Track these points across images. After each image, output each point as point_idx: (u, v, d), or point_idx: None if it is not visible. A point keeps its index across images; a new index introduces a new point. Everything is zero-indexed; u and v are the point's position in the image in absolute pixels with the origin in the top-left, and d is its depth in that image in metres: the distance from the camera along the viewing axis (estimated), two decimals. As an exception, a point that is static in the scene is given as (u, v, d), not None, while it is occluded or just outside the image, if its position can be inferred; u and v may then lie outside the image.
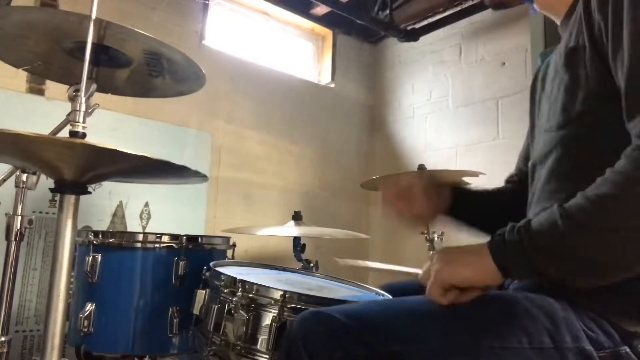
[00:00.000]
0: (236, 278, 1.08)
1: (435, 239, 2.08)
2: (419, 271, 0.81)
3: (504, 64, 2.59)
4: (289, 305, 0.99)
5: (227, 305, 1.07)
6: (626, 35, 0.67)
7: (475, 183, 1.75)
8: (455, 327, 0.69)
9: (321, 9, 2.96)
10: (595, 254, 0.65)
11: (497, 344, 0.67)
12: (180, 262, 1.39)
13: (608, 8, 0.71)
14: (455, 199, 1.03)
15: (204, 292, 1.18)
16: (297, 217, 1.78)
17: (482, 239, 0.90)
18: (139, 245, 1.43)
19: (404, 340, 0.67)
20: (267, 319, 1.01)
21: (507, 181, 1.15)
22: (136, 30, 1.04)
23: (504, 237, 0.70)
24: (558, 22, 0.93)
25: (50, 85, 2.09)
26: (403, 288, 1.09)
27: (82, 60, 0.97)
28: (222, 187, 2.58)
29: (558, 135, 0.80)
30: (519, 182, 1.09)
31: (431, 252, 2.06)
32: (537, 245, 0.67)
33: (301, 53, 3.20)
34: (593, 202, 0.64)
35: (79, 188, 0.98)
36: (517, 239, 0.68)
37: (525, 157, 1.10)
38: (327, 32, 3.25)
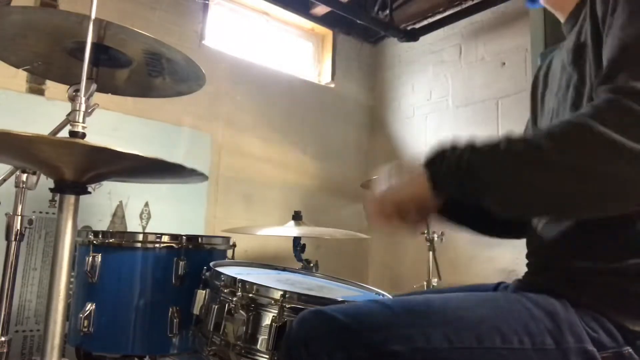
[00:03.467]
0: (236, 278, 1.08)
1: (435, 238, 2.08)
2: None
3: (504, 64, 2.59)
4: (289, 305, 0.99)
5: (227, 305, 1.07)
6: (620, 13, 0.68)
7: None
8: (457, 327, 0.69)
9: (321, 9, 2.96)
10: (526, 185, 0.65)
11: (499, 344, 0.67)
12: (180, 262, 1.39)
13: (609, 1, 0.71)
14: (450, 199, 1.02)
15: (204, 292, 1.18)
16: (297, 217, 1.78)
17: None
18: (139, 245, 1.43)
19: (404, 340, 0.66)
20: (267, 319, 1.01)
21: None
22: (136, 30, 1.05)
23: (443, 152, 0.71)
24: (562, 19, 0.92)
25: (50, 85, 2.09)
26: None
27: (82, 60, 0.97)
28: (222, 187, 2.58)
29: None
30: None
31: (435, 254, 2.06)
32: (472, 164, 0.68)
33: (301, 53, 3.20)
34: (538, 136, 0.65)
35: (79, 188, 0.98)
36: (453, 153, 0.70)
37: None
38: (327, 32, 3.25)
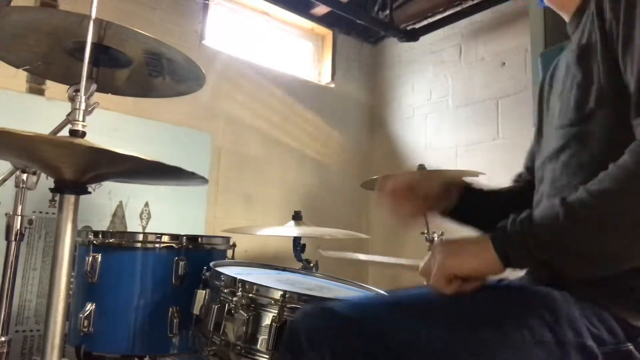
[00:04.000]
0: (236, 278, 1.08)
1: (435, 239, 2.08)
2: (415, 262, 0.82)
3: (504, 64, 2.59)
4: (289, 305, 0.99)
5: (227, 305, 1.07)
6: (637, 34, 0.68)
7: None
8: (456, 319, 0.70)
9: (321, 9, 2.96)
10: (594, 247, 0.66)
11: (498, 336, 0.67)
12: (180, 262, 1.39)
13: (620, 6, 0.71)
14: (464, 199, 1.02)
15: (204, 292, 1.18)
16: (297, 217, 1.78)
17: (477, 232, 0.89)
18: (139, 245, 1.43)
19: (405, 333, 0.67)
20: (267, 319, 1.01)
21: (516, 180, 1.14)
22: (136, 30, 1.05)
23: (506, 228, 0.71)
24: (567, 18, 0.92)
25: (50, 85, 2.09)
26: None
27: (82, 60, 0.97)
28: (222, 187, 2.58)
29: (571, 131, 0.81)
30: (526, 183, 1.08)
31: (432, 245, 2.07)
32: (537, 236, 0.68)
33: (301, 53, 3.20)
34: (594, 196, 0.65)
35: (79, 188, 0.98)
36: (519, 230, 0.69)
37: (532, 158, 1.10)
38: (327, 32, 3.25)
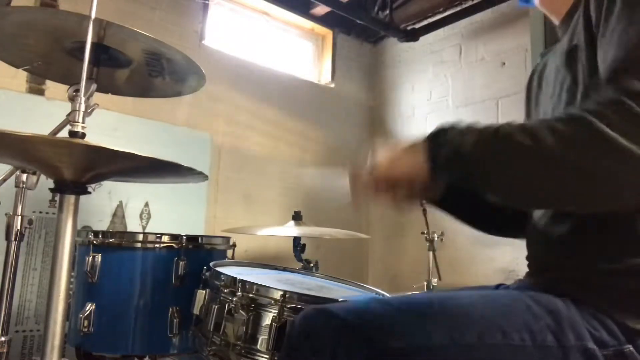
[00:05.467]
0: (236, 278, 1.08)
1: (435, 238, 2.08)
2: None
3: (504, 64, 2.59)
4: (289, 305, 0.99)
5: (227, 305, 1.07)
6: (614, 24, 0.68)
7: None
8: (458, 324, 0.69)
9: (321, 9, 2.96)
10: (522, 175, 0.66)
11: (500, 341, 0.67)
12: (180, 262, 1.39)
13: (603, 4, 0.71)
14: (451, 189, 1.01)
15: (204, 292, 1.18)
16: (297, 217, 1.78)
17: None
18: (139, 245, 1.43)
19: (405, 337, 0.67)
20: (267, 319, 1.01)
21: None
22: (136, 30, 1.04)
23: (445, 132, 0.71)
24: (556, 22, 0.93)
25: (50, 85, 2.08)
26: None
27: (82, 60, 0.97)
28: (222, 187, 2.58)
29: None
30: None
31: (435, 254, 2.06)
32: (468, 145, 0.68)
33: (301, 53, 3.20)
34: (536, 125, 0.65)
35: (79, 188, 0.98)
36: (454, 137, 0.70)
37: None
38: (327, 32, 3.24)
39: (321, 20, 3.10)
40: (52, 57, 1.19)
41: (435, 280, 2.07)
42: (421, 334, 0.67)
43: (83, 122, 1.00)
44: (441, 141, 0.71)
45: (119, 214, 2.17)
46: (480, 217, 1.01)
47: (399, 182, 0.74)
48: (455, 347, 0.67)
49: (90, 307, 1.35)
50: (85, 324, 1.33)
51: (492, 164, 0.68)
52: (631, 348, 0.70)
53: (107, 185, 2.13)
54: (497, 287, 0.99)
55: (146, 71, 1.24)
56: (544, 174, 0.64)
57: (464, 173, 0.69)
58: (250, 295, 1.04)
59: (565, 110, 0.79)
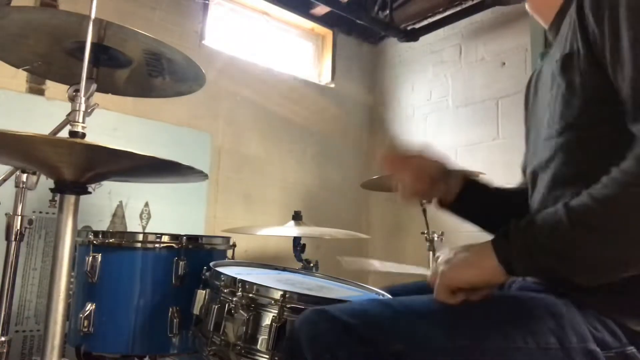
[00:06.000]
0: (236, 278, 1.08)
1: (435, 239, 2.08)
2: (426, 272, 0.82)
3: (504, 64, 2.59)
4: (289, 305, 0.99)
5: (227, 305, 1.07)
6: (624, 39, 0.67)
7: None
8: (459, 326, 0.69)
9: (321, 9, 2.96)
10: (598, 253, 0.65)
11: (502, 344, 0.67)
12: (180, 262, 1.39)
13: (604, 15, 0.70)
14: (466, 192, 1.00)
15: (204, 292, 1.18)
16: (297, 217, 1.78)
17: (478, 239, 0.89)
18: (139, 245, 1.42)
19: (407, 340, 0.66)
20: (267, 319, 1.01)
21: (523, 183, 1.13)
22: (136, 30, 1.05)
23: (508, 235, 0.70)
24: (545, 24, 0.92)
25: (50, 85, 2.09)
26: (404, 290, 1.08)
27: (82, 60, 0.97)
28: (222, 187, 2.58)
29: (559, 141, 0.80)
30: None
31: (435, 254, 2.07)
32: (541, 242, 0.67)
33: (301, 53, 3.20)
34: (598, 201, 0.64)
35: (79, 188, 0.98)
36: (521, 237, 0.69)
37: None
38: (327, 32, 3.25)
39: (321, 20, 3.10)
40: (52, 57, 1.19)
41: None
42: (422, 336, 0.67)
43: (83, 122, 1.00)
44: (507, 241, 0.70)
45: (119, 214, 2.17)
46: (489, 219, 1.01)
47: (472, 286, 0.73)
48: (456, 349, 0.67)
49: (90, 307, 1.35)
50: (85, 324, 1.33)
51: (562, 250, 0.67)
52: (634, 349, 0.70)
53: (107, 185, 2.13)
54: (501, 287, 0.99)
55: (146, 71, 1.24)
56: (612, 248, 0.64)
57: (540, 266, 0.68)
58: (250, 295, 1.04)
59: (559, 137, 0.79)
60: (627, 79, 0.67)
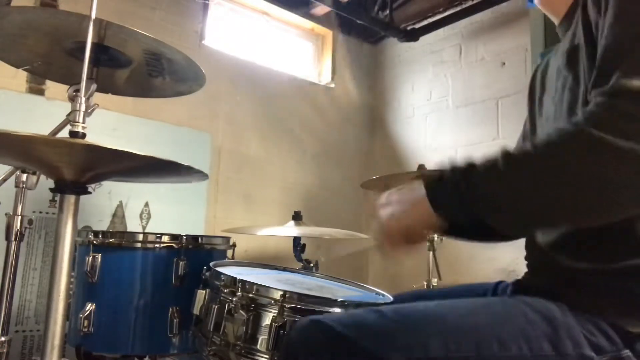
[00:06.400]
0: (236, 278, 1.08)
1: (435, 238, 2.08)
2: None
3: (504, 64, 2.59)
4: (288, 305, 0.99)
5: (227, 305, 1.07)
6: (609, 19, 0.67)
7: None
8: (454, 334, 0.69)
9: (321, 9, 2.96)
10: (531, 198, 0.64)
11: (497, 351, 0.66)
12: (180, 262, 1.39)
13: (600, 5, 0.71)
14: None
15: (204, 292, 1.18)
16: (297, 217, 1.78)
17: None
18: (139, 245, 1.42)
19: (403, 350, 0.66)
20: (267, 319, 1.01)
21: None
22: (136, 30, 1.05)
23: (442, 176, 0.70)
24: (556, 21, 0.93)
25: (50, 85, 2.09)
26: (402, 298, 1.08)
27: (82, 60, 0.97)
28: (222, 187, 2.58)
29: None
30: None
31: (435, 254, 2.06)
32: (472, 183, 0.66)
33: (301, 53, 3.20)
34: (537, 147, 0.64)
35: (79, 188, 0.98)
36: (453, 177, 0.68)
37: None
38: (327, 32, 3.25)
39: (321, 20, 3.10)
40: (52, 57, 1.19)
41: (435, 280, 2.07)
42: (417, 346, 0.67)
43: (83, 122, 1.00)
44: (439, 181, 0.70)
45: (119, 214, 2.17)
46: (478, 232, 1.01)
47: (412, 230, 0.73)
48: (453, 357, 0.66)
49: (90, 307, 1.35)
50: (85, 324, 1.33)
51: (495, 190, 0.66)
52: (629, 353, 0.70)
53: (107, 185, 2.13)
54: (497, 284, 0.99)
55: (146, 71, 1.24)
56: (543, 190, 0.63)
57: (468, 207, 0.67)
58: (250, 295, 1.04)
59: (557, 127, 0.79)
60: (601, 44, 0.67)
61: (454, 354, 0.66)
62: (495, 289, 0.98)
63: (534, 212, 0.65)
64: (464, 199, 0.67)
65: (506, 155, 0.65)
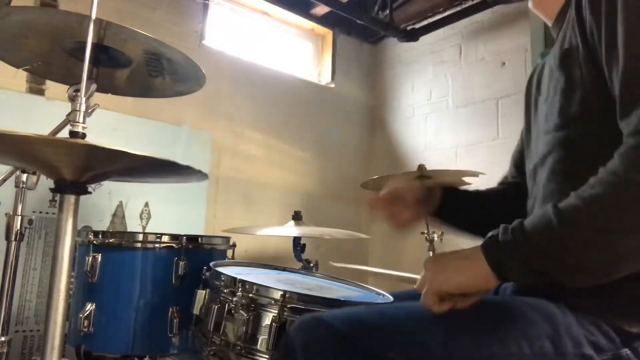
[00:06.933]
0: (236, 278, 1.08)
1: (435, 239, 2.08)
2: (417, 277, 0.81)
3: (504, 64, 2.59)
4: (289, 305, 0.99)
5: (227, 305, 1.07)
6: (620, 37, 0.67)
7: (475, 183, 1.75)
8: (455, 333, 0.69)
9: (321, 9, 2.96)
10: (590, 254, 0.64)
11: (497, 349, 0.67)
12: (180, 262, 1.39)
13: (601, 9, 0.70)
14: (445, 200, 1.02)
15: (204, 292, 1.18)
16: (297, 217, 1.78)
17: (478, 239, 0.89)
18: (139, 245, 1.43)
19: (402, 347, 0.66)
20: (267, 319, 1.01)
21: (501, 183, 1.15)
22: (136, 30, 1.04)
23: (498, 239, 0.69)
24: (550, 23, 0.93)
25: (50, 85, 2.09)
26: (405, 296, 1.09)
27: (82, 60, 0.97)
28: (222, 187, 2.58)
29: (557, 136, 0.80)
30: (511, 185, 1.09)
31: (426, 258, 2.07)
32: (532, 244, 0.66)
33: (301, 53, 3.20)
34: (587, 202, 0.64)
35: (79, 188, 0.98)
36: (511, 239, 0.67)
37: (517, 160, 1.10)
38: (327, 32, 3.25)
39: (321, 20, 3.10)
40: (52, 57, 1.19)
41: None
42: (418, 344, 0.67)
43: (83, 122, 1.00)
44: (497, 245, 0.68)
45: (119, 214, 2.17)
46: (472, 223, 1.02)
47: (459, 293, 0.71)
48: (451, 357, 0.66)
49: (90, 307, 1.35)
50: (85, 324, 1.33)
51: (555, 251, 0.65)
52: (628, 351, 0.70)
53: (107, 185, 2.13)
54: (496, 292, 0.99)
55: (146, 71, 1.24)
56: (606, 245, 0.63)
57: (534, 269, 0.66)
58: (250, 295, 1.04)
59: (557, 131, 0.79)
60: (619, 76, 0.67)
61: (452, 351, 0.66)
62: (495, 290, 0.98)
63: (596, 267, 0.65)
64: (532, 264, 0.66)
65: (557, 213, 0.65)
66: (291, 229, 1.73)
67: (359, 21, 2.82)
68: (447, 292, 0.71)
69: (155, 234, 1.43)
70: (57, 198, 0.98)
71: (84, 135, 0.99)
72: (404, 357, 0.66)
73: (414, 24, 3.01)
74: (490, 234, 0.71)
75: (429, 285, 0.72)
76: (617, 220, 0.62)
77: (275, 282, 1.24)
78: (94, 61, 1.13)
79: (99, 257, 1.37)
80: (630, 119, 0.64)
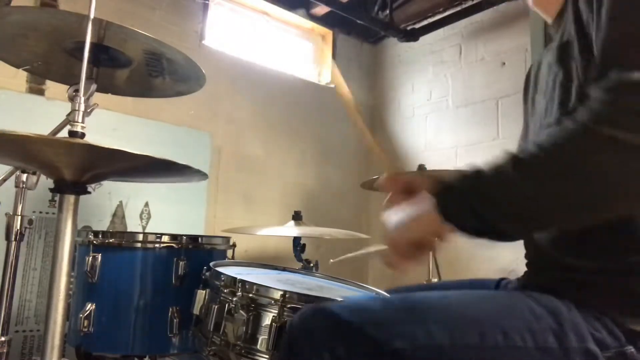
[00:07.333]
0: (236, 278, 1.08)
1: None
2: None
3: (504, 64, 2.59)
4: (289, 305, 0.99)
5: (227, 305, 1.07)
6: (604, 15, 0.67)
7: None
8: (459, 324, 0.69)
9: (321, 9, 2.96)
10: (538, 201, 0.63)
11: (501, 342, 0.67)
12: (180, 262, 1.39)
13: (593, 6, 0.70)
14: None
15: (204, 292, 1.18)
16: (297, 217, 1.78)
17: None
18: (139, 245, 1.42)
19: (406, 337, 0.66)
20: (267, 319, 1.01)
21: None
22: (136, 30, 1.05)
23: (451, 183, 0.69)
24: (549, 21, 0.93)
25: (50, 85, 2.09)
26: (406, 291, 1.09)
27: (82, 60, 0.97)
28: (222, 187, 2.58)
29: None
30: None
31: (435, 254, 2.07)
32: (481, 189, 0.65)
33: (301, 53, 3.20)
34: (544, 149, 0.63)
35: (79, 188, 0.98)
36: (461, 184, 0.68)
37: None
38: (327, 32, 3.25)
39: (321, 20, 3.10)
40: (52, 57, 1.19)
41: (435, 280, 2.07)
42: (422, 334, 0.67)
43: (83, 122, 1.00)
44: (447, 190, 0.69)
45: (119, 214, 2.17)
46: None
47: (422, 241, 0.71)
48: (456, 347, 0.67)
49: (90, 307, 1.35)
50: (85, 324, 1.33)
51: (504, 194, 0.64)
52: (632, 349, 0.70)
53: (107, 185, 2.13)
54: (500, 281, 0.99)
55: (146, 71, 1.24)
56: (550, 190, 0.62)
57: (478, 212, 0.66)
58: (250, 295, 1.04)
59: (558, 125, 0.79)
60: (600, 41, 0.67)
61: (458, 342, 0.67)
62: (497, 286, 0.98)
63: (548, 215, 0.65)
64: (475, 208, 0.66)
65: (514, 159, 0.64)
66: (291, 229, 1.73)
67: (359, 21, 2.82)
68: (407, 244, 0.71)
69: (155, 234, 1.43)
70: (57, 198, 0.98)
71: (83, 135, 0.99)
72: (410, 346, 0.66)
73: (414, 24, 3.01)
74: (446, 178, 0.71)
75: (388, 244, 0.73)
76: (572, 169, 0.61)
77: (275, 282, 1.24)
78: (94, 61, 1.13)
79: (99, 257, 1.37)
80: (607, 78, 0.63)
